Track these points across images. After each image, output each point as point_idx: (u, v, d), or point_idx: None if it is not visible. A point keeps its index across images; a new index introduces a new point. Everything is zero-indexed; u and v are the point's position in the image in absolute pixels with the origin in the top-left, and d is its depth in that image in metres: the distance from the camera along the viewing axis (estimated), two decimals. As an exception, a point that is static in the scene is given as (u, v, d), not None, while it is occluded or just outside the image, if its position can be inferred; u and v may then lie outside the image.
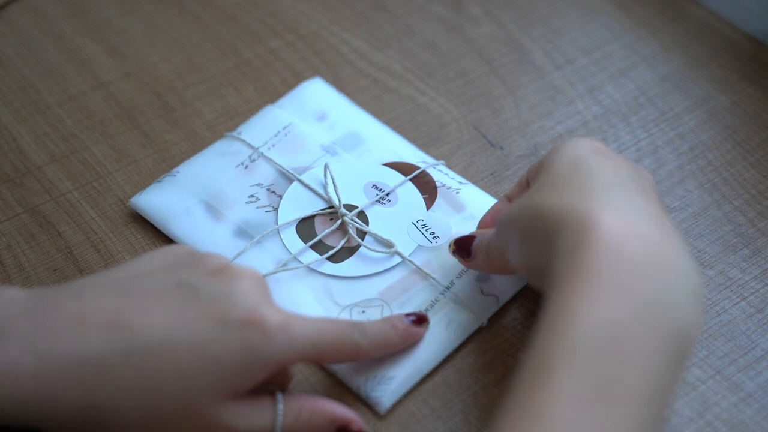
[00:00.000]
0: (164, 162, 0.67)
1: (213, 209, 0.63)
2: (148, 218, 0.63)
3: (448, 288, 0.59)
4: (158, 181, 0.64)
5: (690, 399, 0.56)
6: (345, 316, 0.58)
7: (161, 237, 0.63)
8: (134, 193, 0.65)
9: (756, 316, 0.59)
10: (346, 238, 0.61)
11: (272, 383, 0.51)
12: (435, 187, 0.64)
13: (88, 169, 0.67)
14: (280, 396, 0.51)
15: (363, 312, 0.58)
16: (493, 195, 0.65)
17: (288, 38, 0.76)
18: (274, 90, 0.72)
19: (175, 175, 0.64)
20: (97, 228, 0.64)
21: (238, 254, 0.60)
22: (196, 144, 0.68)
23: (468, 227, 0.62)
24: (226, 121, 0.70)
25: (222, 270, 0.50)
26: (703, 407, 0.55)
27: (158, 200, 0.63)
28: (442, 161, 0.66)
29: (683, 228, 0.64)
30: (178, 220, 0.62)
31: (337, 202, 0.62)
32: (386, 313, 0.58)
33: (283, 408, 0.50)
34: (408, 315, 0.56)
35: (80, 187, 0.66)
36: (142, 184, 0.66)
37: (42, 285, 0.60)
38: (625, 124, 0.70)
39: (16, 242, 0.63)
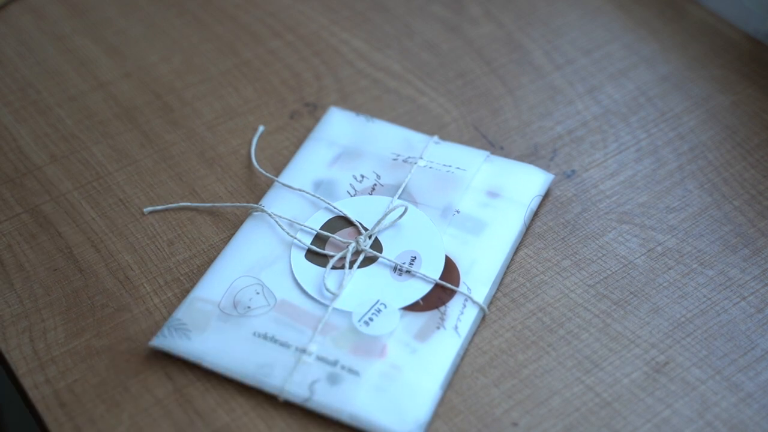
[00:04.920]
0: (164, 162, 0.67)
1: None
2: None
3: None
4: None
5: (690, 399, 0.56)
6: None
7: (162, 237, 0.63)
8: (134, 193, 0.65)
9: (756, 316, 0.59)
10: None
11: None
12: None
13: (88, 169, 0.67)
14: None
15: None
16: (493, 195, 0.65)
17: (288, 38, 0.76)
18: (274, 90, 0.72)
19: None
20: (97, 228, 0.64)
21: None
22: (196, 144, 0.68)
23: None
24: (226, 121, 0.70)
25: None
26: (703, 407, 0.55)
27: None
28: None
29: (683, 228, 0.64)
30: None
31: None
32: None
33: None
34: None
35: (80, 187, 0.66)
36: (142, 184, 0.66)
37: (42, 285, 0.60)
38: (625, 124, 0.70)
39: (16, 242, 0.63)
